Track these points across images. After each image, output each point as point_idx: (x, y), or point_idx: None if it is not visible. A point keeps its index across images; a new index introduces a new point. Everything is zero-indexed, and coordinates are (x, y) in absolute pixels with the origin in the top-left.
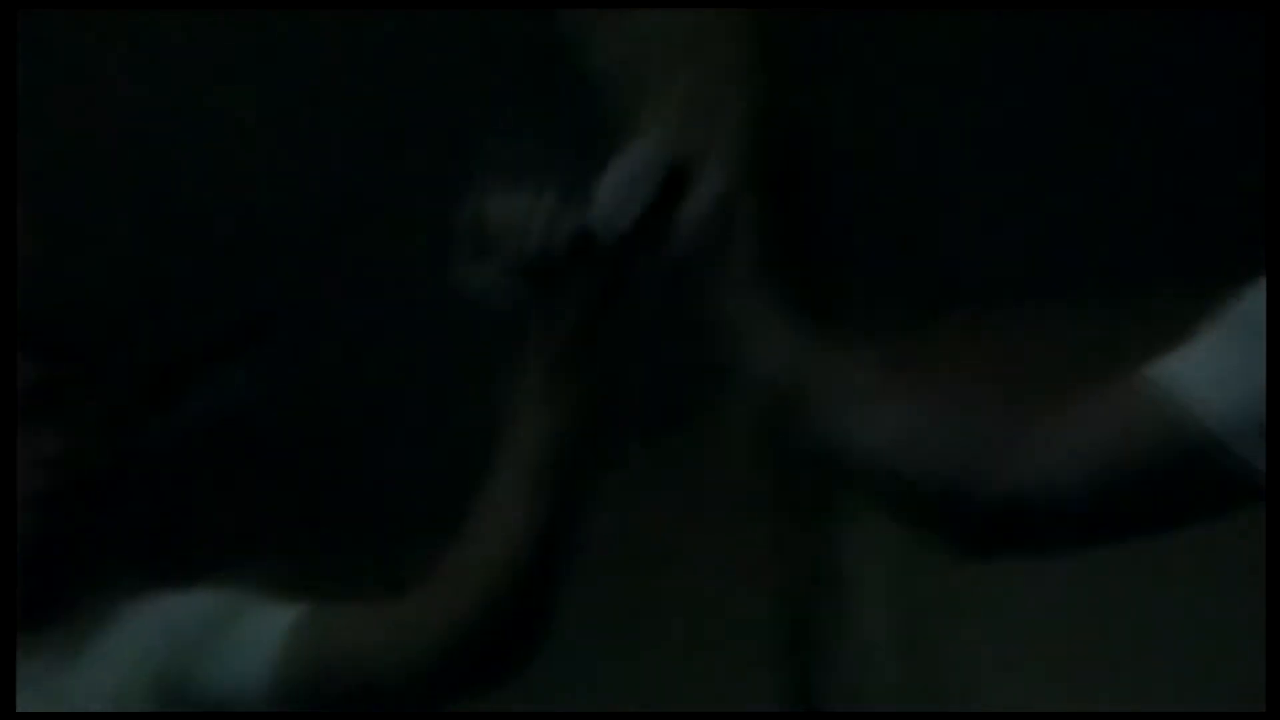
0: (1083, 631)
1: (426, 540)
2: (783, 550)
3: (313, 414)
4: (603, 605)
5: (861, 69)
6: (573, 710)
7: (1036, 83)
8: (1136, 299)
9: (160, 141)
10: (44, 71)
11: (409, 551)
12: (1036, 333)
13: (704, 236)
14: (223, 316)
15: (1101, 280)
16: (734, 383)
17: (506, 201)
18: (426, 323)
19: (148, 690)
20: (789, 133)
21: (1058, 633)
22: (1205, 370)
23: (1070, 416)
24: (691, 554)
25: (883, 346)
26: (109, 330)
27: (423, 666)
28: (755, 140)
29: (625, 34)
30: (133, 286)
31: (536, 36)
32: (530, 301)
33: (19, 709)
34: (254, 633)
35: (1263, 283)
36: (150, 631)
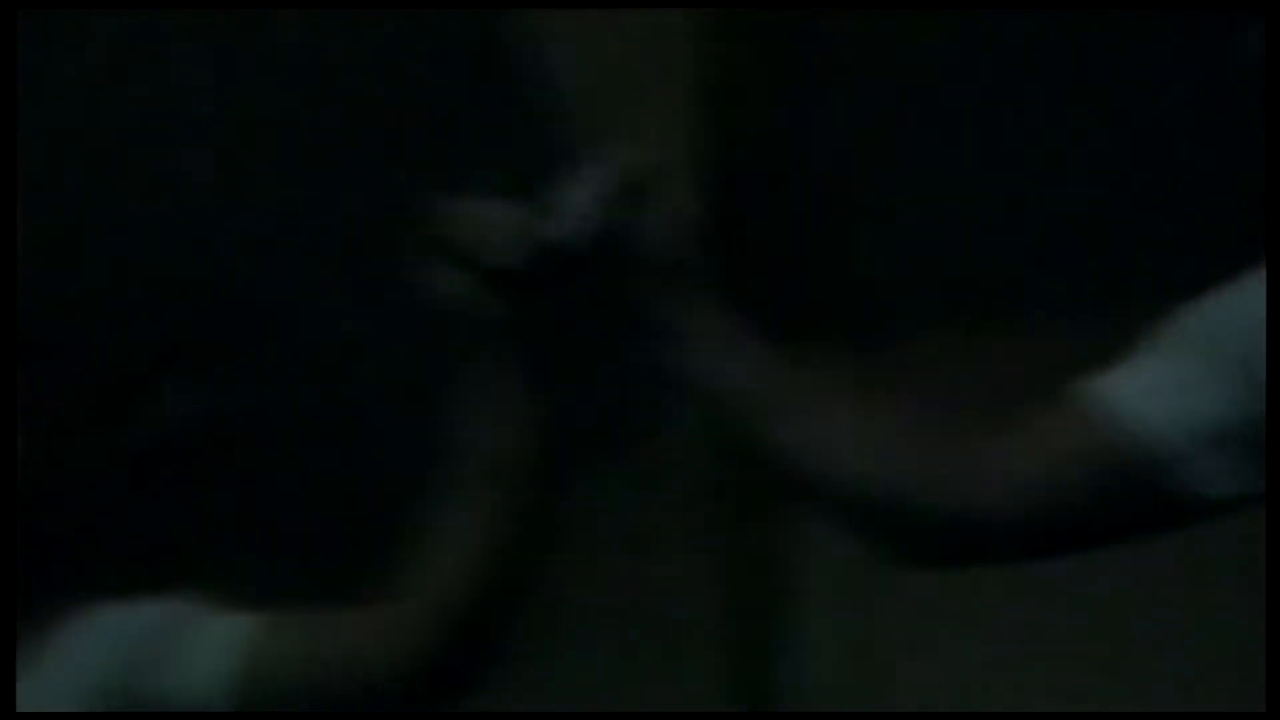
0: (1035, 631)
1: (390, 551)
2: (734, 558)
3: (276, 424)
4: (552, 612)
5: (825, 76)
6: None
7: (1005, 91)
8: (1106, 314)
9: (129, 144)
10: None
11: (372, 562)
12: (1002, 348)
13: (663, 246)
14: (188, 326)
15: (1072, 294)
16: (687, 394)
17: (472, 209)
18: (394, 335)
19: (97, 702)
20: (752, 142)
21: (1010, 634)
22: (1146, 388)
23: (1015, 434)
24: (641, 563)
25: (844, 359)
26: (68, 335)
27: (381, 677)
28: (717, 149)
29: (582, 40)
30: (95, 294)
31: (493, 46)
32: (496, 310)
33: None
34: (208, 643)
35: (1203, 300)
36: (102, 642)
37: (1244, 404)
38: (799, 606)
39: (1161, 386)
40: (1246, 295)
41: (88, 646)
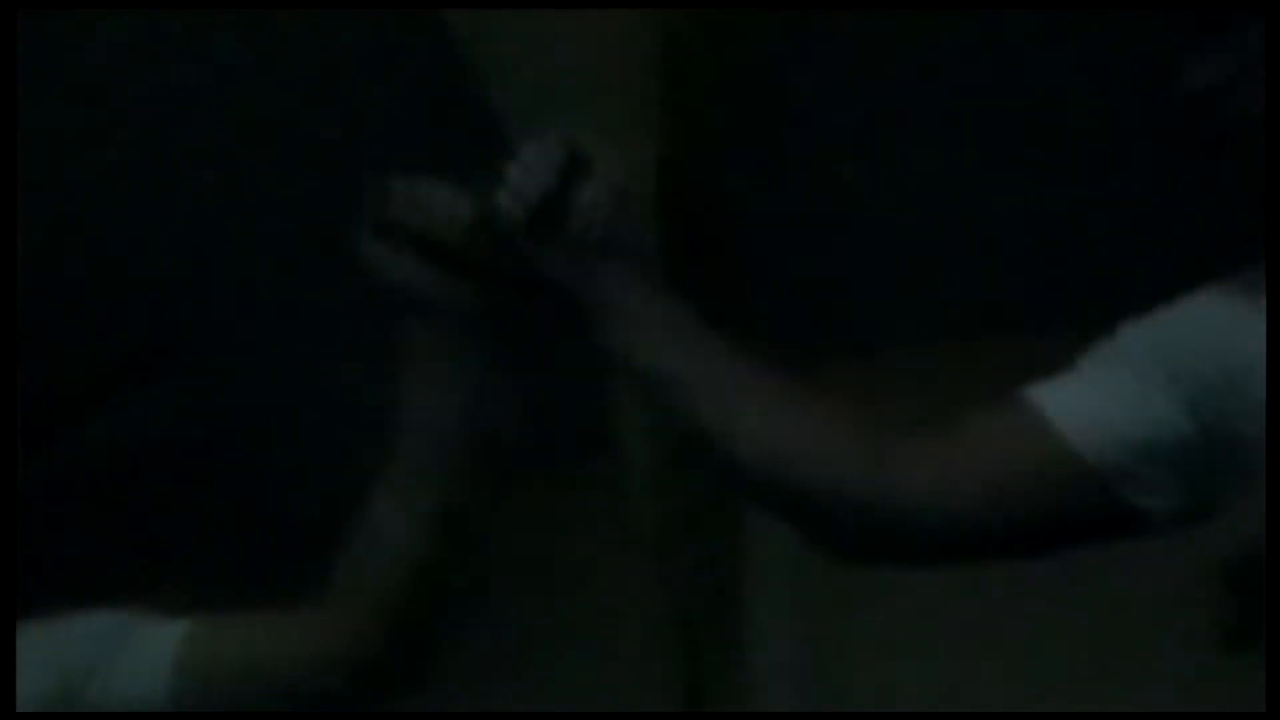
0: (983, 628)
1: (329, 550)
2: (681, 556)
3: (222, 427)
4: (498, 613)
5: (788, 79)
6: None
7: (972, 94)
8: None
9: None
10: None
11: (312, 564)
12: (962, 361)
13: (602, 223)
14: (127, 338)
15: (1038, 307)
16: (629, 377)
17: (419, 191)
18: (345, 326)
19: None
20: (711, 147)
21: (965, 633)
22: (1083, 400)
23: (952, 436)
24: (588, 564)
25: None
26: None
27: (318, 677)
28: (677, 152)
29: (542, 41)
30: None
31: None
32: (433, 286)
33: None
34: (144, 650)
35: (1145, 318)
36: (40, 652)
37: (1178, 422)
38: (753, 610)
39: (1099, 399)
40: (1188, 315)
41: (26, 657)
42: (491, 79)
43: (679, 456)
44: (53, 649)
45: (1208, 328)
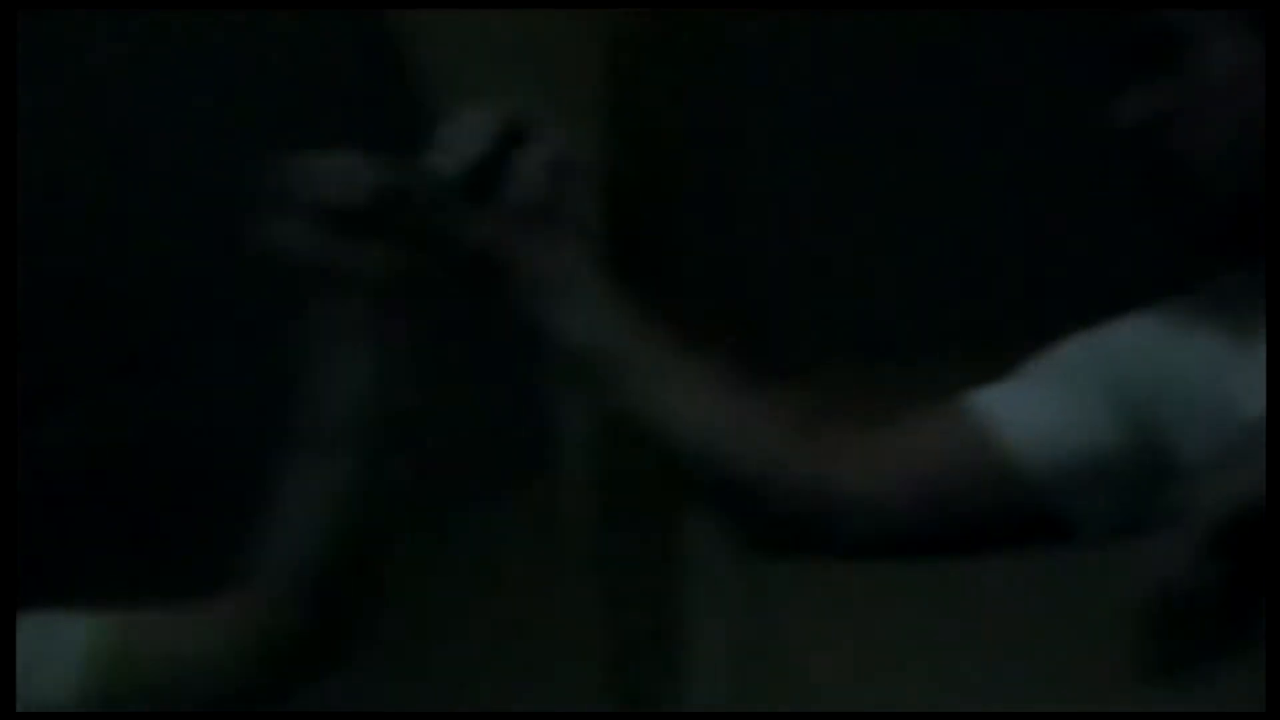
0: (922, 629)
1: (245, 537)
2: (619, 565)
3: (134, 427)
4: (428, 619)
5: (735, 83)
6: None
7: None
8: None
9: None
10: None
11: (230, 551)
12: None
13: (540, 193)
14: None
15: (958, 335)
16: (559, 351)
17: (316, 160)
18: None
19: None
20: (657, 147)
21: (895, 631)
22: (1020, 409)
23: (885, 432)
24: (525, 570)
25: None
26: None
27: (229, 671)
28: (623, 154)
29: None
30: None
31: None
32: (333, 257)
33: None
34: (60, 650)
35: (1084, 334)
36: None
37: (1113, 434)
38: (689, 613)
39: (1035, 407)
40: (1127, 332)
41: None
42: (435, 81)
43: (618, 462)
44: None
45: (1146, 345)
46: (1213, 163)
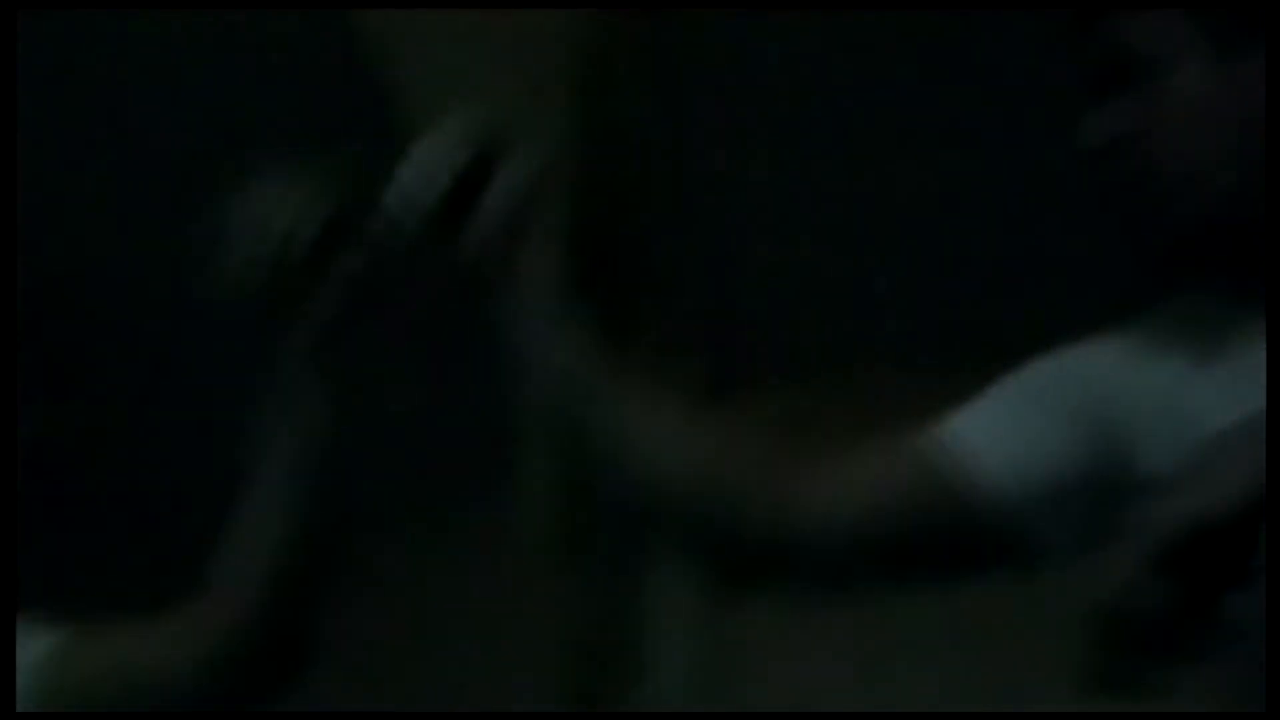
0: (880, 644)
1: (201, 553)
2: (578, 586)
3: (92, 437)
4: (387, 625)
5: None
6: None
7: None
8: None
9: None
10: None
11: (186, 565)
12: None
13: (504, 228)
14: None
15: (930, 347)
16: (521, 363)
17: (259, 193)
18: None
19: None
20: (623, 148)
21: (852, 647)
22: (985, 435)
23: (848, 465)
24: (484, 593)
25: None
26: None
27: (184, 681)
28: (587, 156)
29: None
30: None
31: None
32: (282, 295)
33: None
34: (19, 654)
35: (1050, 355)
36: None
37: (1077, 458)
38: (648, 629)
39: (1000, 433)
40: (1090, 355)
41: None
42: (402, 85)
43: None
44: None
45: (1109, 368)
46: (1177, 183)
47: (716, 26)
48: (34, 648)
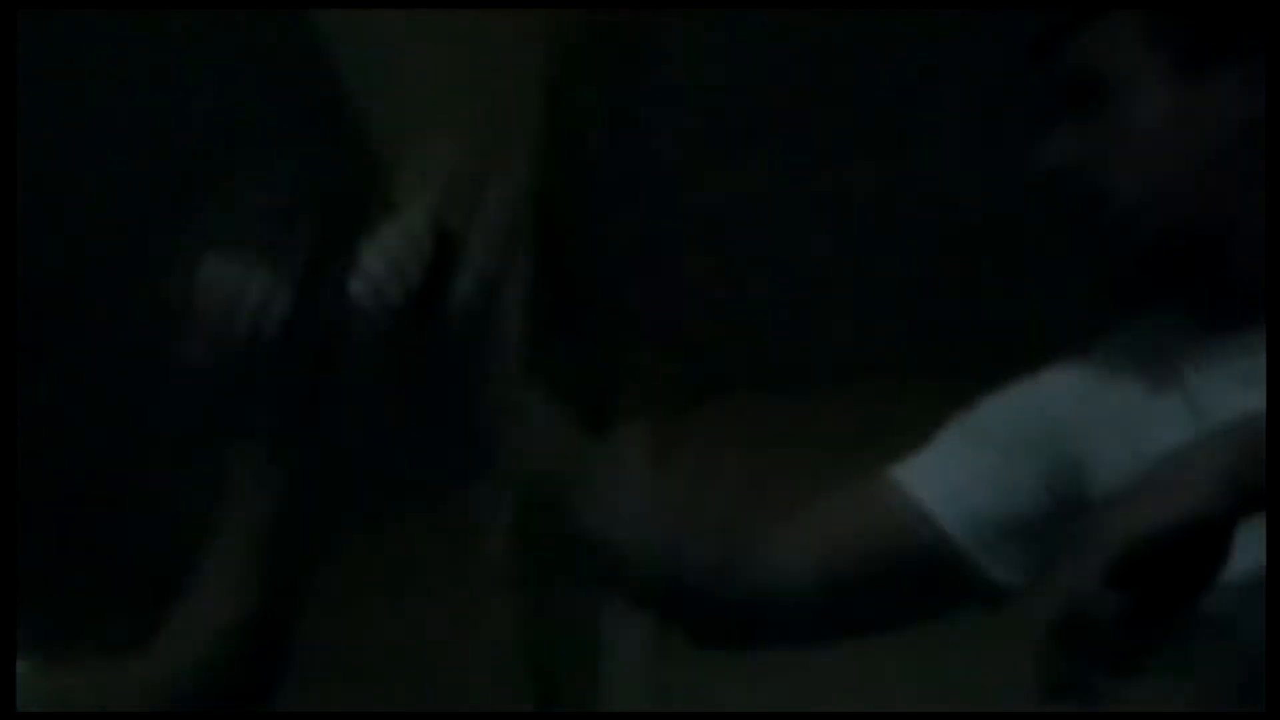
0: (838, 662)
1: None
2: (535, 618)
3: (54, 473)
4: (346, 629)
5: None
6: None
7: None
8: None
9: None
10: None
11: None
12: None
13: (473, 314)
14: None
15: (893, 366)
16: (493, 458)
17: (221, 268)
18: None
19: None
20: (571, 179)
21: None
22: (940, 476)
23: (812, 517)
24: (441, 624)
25: (654, 425)
26: None
27: (162, 702)
28: (535, 193)
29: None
30: None
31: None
32: (246, 377)
33: None
34: None
35: (1003, 392)
36: None
37: (1034, 496)
38: (606, 649)
39: (959, 476)
40: (1045, 388)
41: None
42: (367, 99)
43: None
44: None
45: (1065, 398)
46: (1135, 206)
47: (680, 42)
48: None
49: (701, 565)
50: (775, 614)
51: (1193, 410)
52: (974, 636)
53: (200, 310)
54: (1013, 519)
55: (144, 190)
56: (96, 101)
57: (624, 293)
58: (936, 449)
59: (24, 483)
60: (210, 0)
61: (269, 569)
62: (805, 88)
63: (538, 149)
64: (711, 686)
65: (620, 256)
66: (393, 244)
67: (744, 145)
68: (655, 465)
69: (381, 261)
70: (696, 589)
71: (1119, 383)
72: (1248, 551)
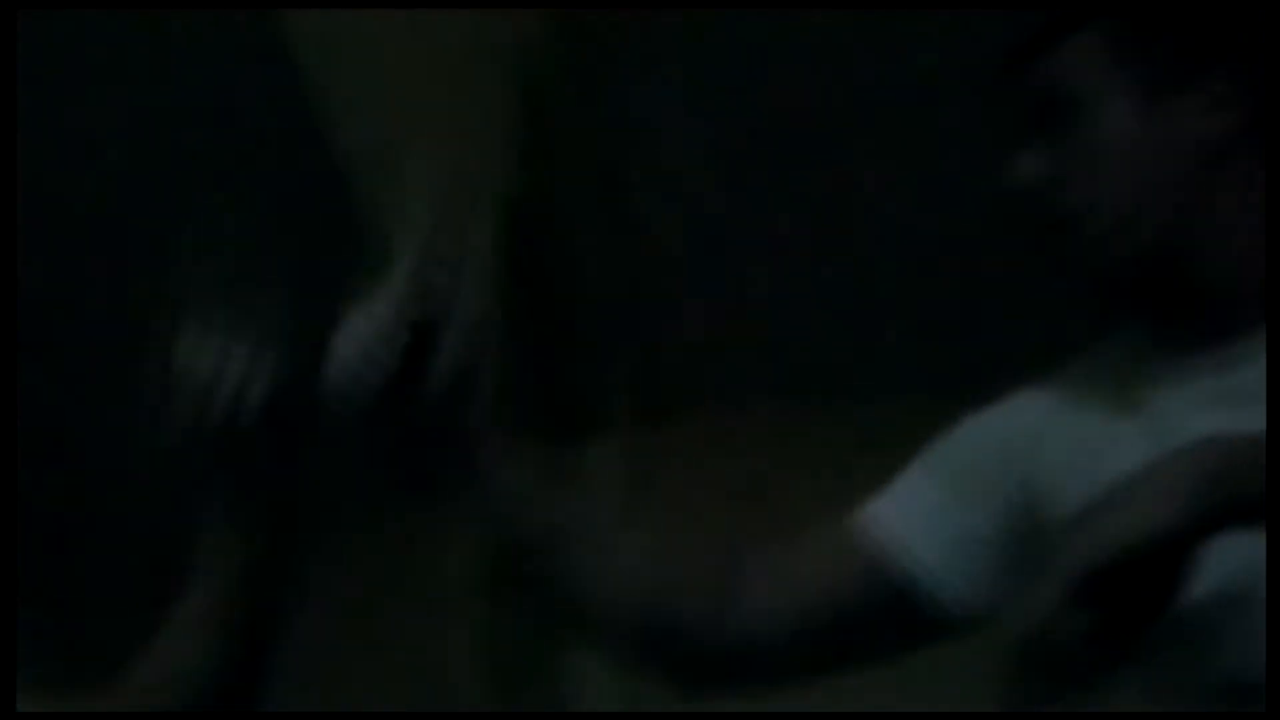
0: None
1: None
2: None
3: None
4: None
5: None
6: None
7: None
8: (890, 403)
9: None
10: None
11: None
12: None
13: (451, 391)
14: None
15: (861, 382)
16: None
17: (200, 346)
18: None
19: None
20: (542, 218)
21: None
22: (902, 511)
23: (786, 562)
24: (412, 625)
25: (629, 447)
26: None
27: None
28: (508, 236)
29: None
30: None
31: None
32: (221, 458)
33: None
34: None
35: (964, 424)
36: None
37: (997, 531)
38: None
39: (922, 514)
40: (1007, 419)
41: None
42: (340, 118)
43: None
44: None
45: (1027, 430)
46: (1103, 224)
47: (662, 49)
48: None
49: (681, 619)
50: (756, 661)
51: (1155, 432)
52: (939, 655)
53: (179, 385)
54: (976, 554)
55: (133, 200)
56: (97, 101)
57: (602, 303)
58: (900, 486)
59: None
60: (207, 0)
61: (228, 647)
62: (793, 95)
63: (514, 156)
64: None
65: (599, 267)
66: (367, 332)
67: (730, 153)
68: (631, 479)
69: (356, 350)
70: (676, 641)
71: (1081, 408)
72: (1211, 570)
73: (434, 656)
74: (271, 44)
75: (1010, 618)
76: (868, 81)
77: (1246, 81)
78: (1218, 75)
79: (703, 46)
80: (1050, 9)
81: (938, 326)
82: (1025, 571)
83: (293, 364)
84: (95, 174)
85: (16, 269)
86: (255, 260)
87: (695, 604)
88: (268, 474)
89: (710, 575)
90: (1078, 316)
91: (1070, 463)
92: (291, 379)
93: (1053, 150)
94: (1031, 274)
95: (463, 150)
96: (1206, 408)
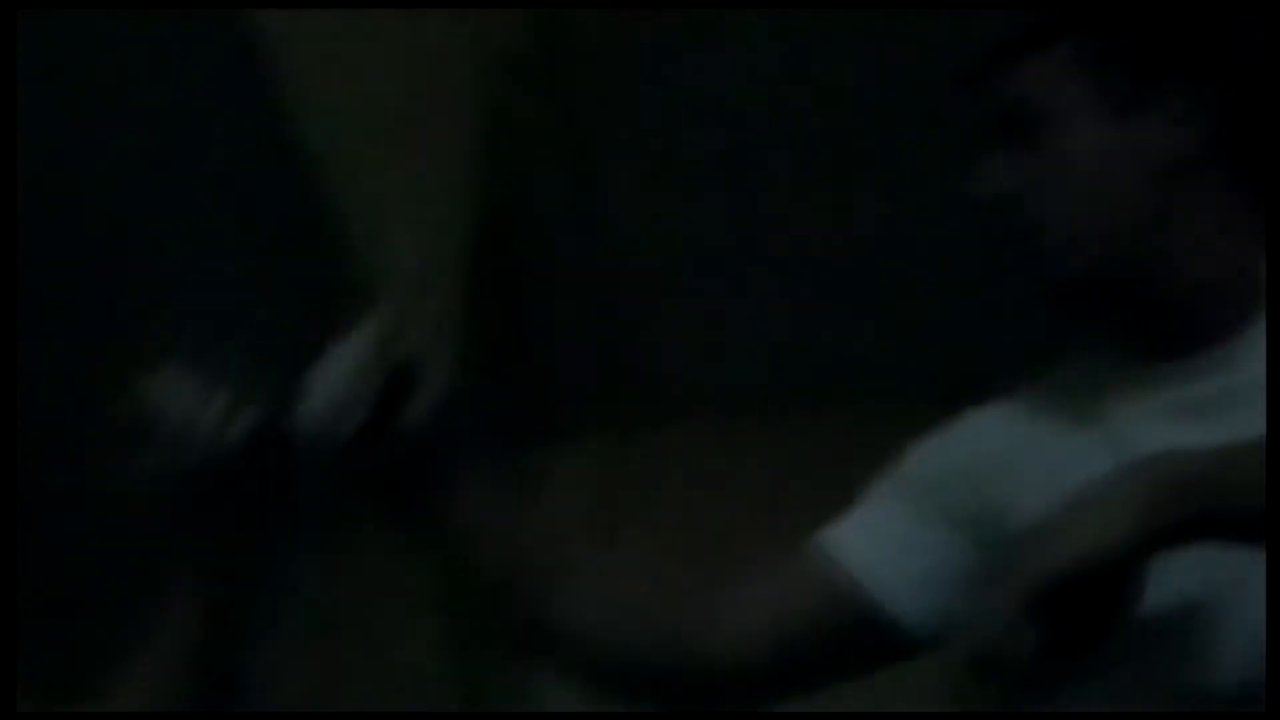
0: None
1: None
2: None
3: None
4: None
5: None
6: None
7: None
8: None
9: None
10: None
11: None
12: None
13: (426, 430)
14: None
15: (834, 389)
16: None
17: (176, 385)
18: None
19: None
20: (513, 225)
21: None
22: (865, 536)
23: (750, 587)
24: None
25: (600, 457)
26: None
27: None
28: (478, 244)
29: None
30: None
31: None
32: (195, 499)
33: None
34: None
35: (923, 446)
36: None
37: (958, 551)
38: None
39: (883, 538)
40: (969, 437)
41: None
42: (312, 130)
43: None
44: None
45: (989, 447)
46: (1065, 237)
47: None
48: None
49: (653, 651)
50: (729, 686)
51: (1114, 445)
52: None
53: (155, 428)
54: (943, 577)
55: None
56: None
57: (571, 314)
58: (864, 511)
59: None
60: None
61: (208, 670)
62: (765, 103)
63: (486, 163)
64: None
65: (568, 280)
66: (340, 378)
67: (698, 167)
68: (602, 489)
69: (328, 396)
70: (649, 672)
71: (1044, 423)
72: (1171, 581)
73: (400, 672)
74: (242, 47)
75: (962, 633)
76: (844, 89)
77: (1210, 99)
78: (1181, 93)
79: (676, 53)
80: (1021, 19)
81: (916, 332)
82: (981, 579)
83: (267, 405)
84: (87, 177)
85: (16, 269)
86: (230, 302)
87: (661, 631)
88: (240, 513)
89: (676, 602)
90: (1057, 322)
91: (1034, 479)
92: (265, 420)
93: (1017, 162)
94: (1012, 280)
95: (435, 156)
96: (1167, 420)
